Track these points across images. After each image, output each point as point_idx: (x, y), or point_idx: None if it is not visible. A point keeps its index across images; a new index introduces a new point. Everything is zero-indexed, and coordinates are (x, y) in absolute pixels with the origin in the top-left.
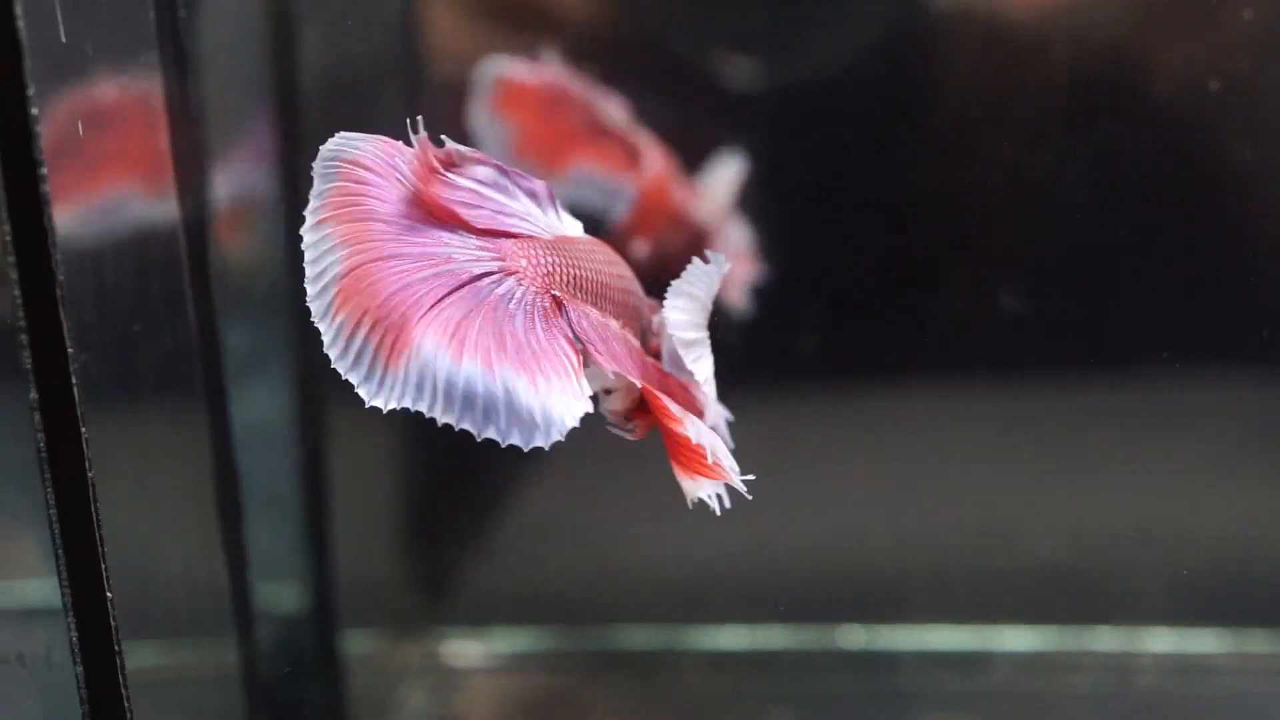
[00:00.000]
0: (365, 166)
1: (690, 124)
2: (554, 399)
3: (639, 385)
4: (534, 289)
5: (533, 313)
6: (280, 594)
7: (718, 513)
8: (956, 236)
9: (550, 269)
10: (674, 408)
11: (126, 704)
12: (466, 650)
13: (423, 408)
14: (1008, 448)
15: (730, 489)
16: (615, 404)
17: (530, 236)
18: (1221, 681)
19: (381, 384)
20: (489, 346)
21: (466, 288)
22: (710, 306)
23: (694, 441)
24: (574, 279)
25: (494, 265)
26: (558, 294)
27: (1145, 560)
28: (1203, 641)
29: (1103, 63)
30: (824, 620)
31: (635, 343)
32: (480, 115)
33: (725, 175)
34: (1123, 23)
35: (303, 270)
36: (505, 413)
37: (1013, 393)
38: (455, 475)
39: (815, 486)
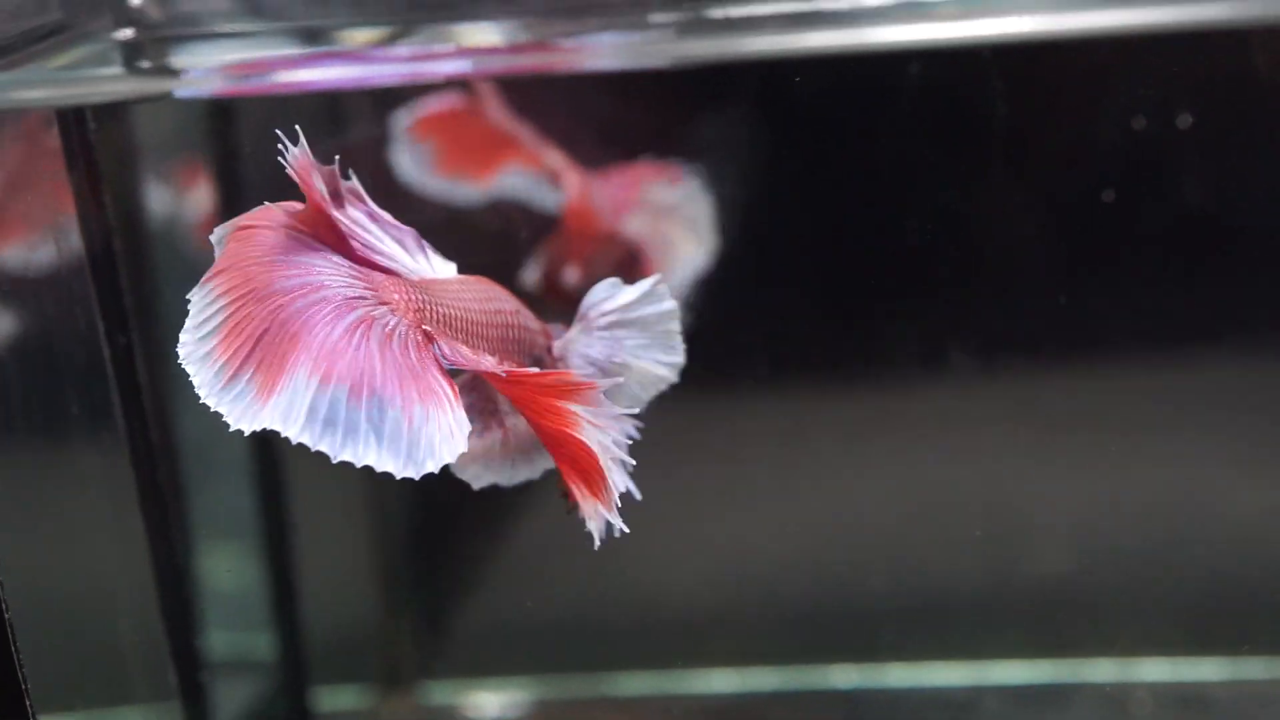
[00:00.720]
0: (248, 224)
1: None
2: (428, 428)
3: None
4: (406, 321)
5: (405, 343)
6: (242, 647)
7: (595, 543)
8: (955, 234)
9: (420, 305)
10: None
11: None
12: (458, 703)
13: (290, 433)
14: (1002, 461)
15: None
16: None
17: (400, 275)
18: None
19: (251, 413)
20: (360, 370)
21: (339, 311)
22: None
23: (589, 445)
24: (444, 317)
25: (367, 294)
26: (429, 329)
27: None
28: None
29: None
30: (814, 660)
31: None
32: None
33: (673, 198)
34: None
35: None
36: (372, 436)
37: (1012, 399)
38: (434, 519)
39: (803, 514)
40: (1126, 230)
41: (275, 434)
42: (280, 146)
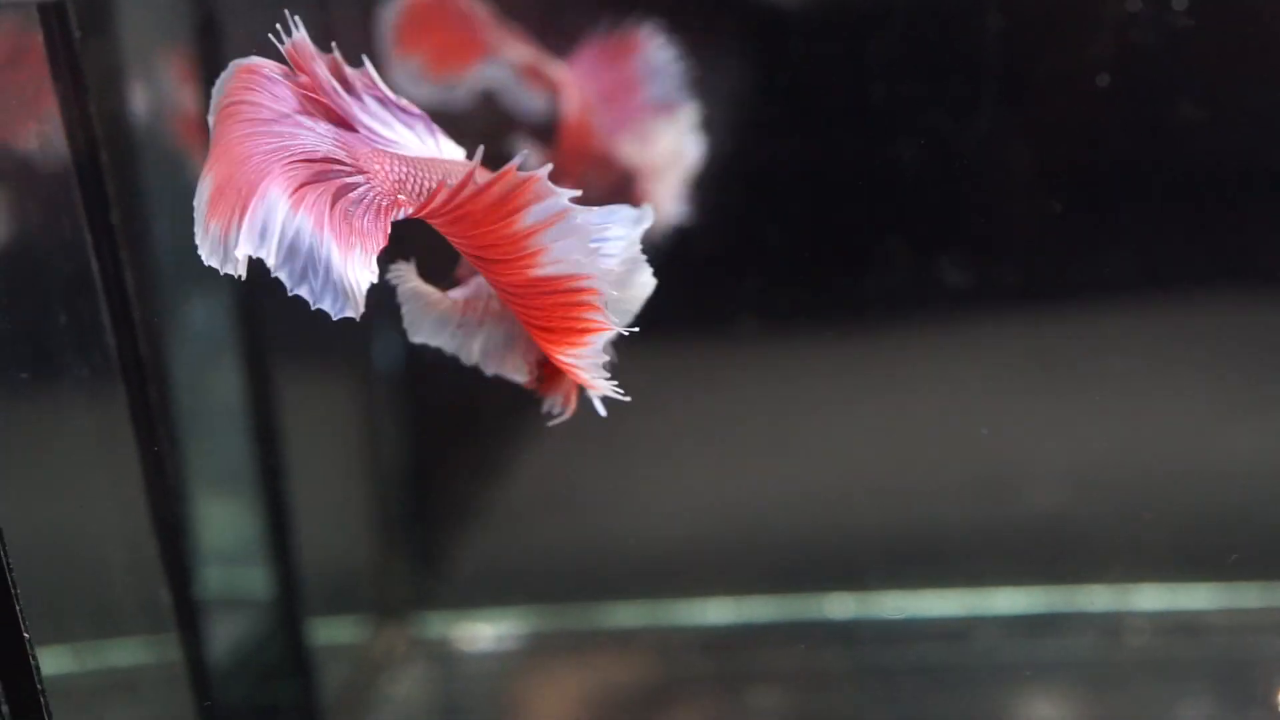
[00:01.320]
0: (252, 69)
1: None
2: (358, 271)
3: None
4: (377, 190)
5: (371, 205)
6: (237, 581)
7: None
8: (946, 173)
9: (402, 177)
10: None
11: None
12: (453, 634)
13: (262, 254)
14: (994, 397)
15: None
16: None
17: (385, 150)
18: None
19: (229, 241)
20: (323, 212)
21: (316, 165)
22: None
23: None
24: (426, 190)
25: (347, 163)
26: (403, 198)
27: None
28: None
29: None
30: (811, 589)
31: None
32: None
33: (677, 132)
34: None
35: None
36: (323, 275)
37: (1004, 336)
38: (427, 453)
39: (797, 446)
40: (1121, 166)
41: (271, 371)
42: (278, 33)
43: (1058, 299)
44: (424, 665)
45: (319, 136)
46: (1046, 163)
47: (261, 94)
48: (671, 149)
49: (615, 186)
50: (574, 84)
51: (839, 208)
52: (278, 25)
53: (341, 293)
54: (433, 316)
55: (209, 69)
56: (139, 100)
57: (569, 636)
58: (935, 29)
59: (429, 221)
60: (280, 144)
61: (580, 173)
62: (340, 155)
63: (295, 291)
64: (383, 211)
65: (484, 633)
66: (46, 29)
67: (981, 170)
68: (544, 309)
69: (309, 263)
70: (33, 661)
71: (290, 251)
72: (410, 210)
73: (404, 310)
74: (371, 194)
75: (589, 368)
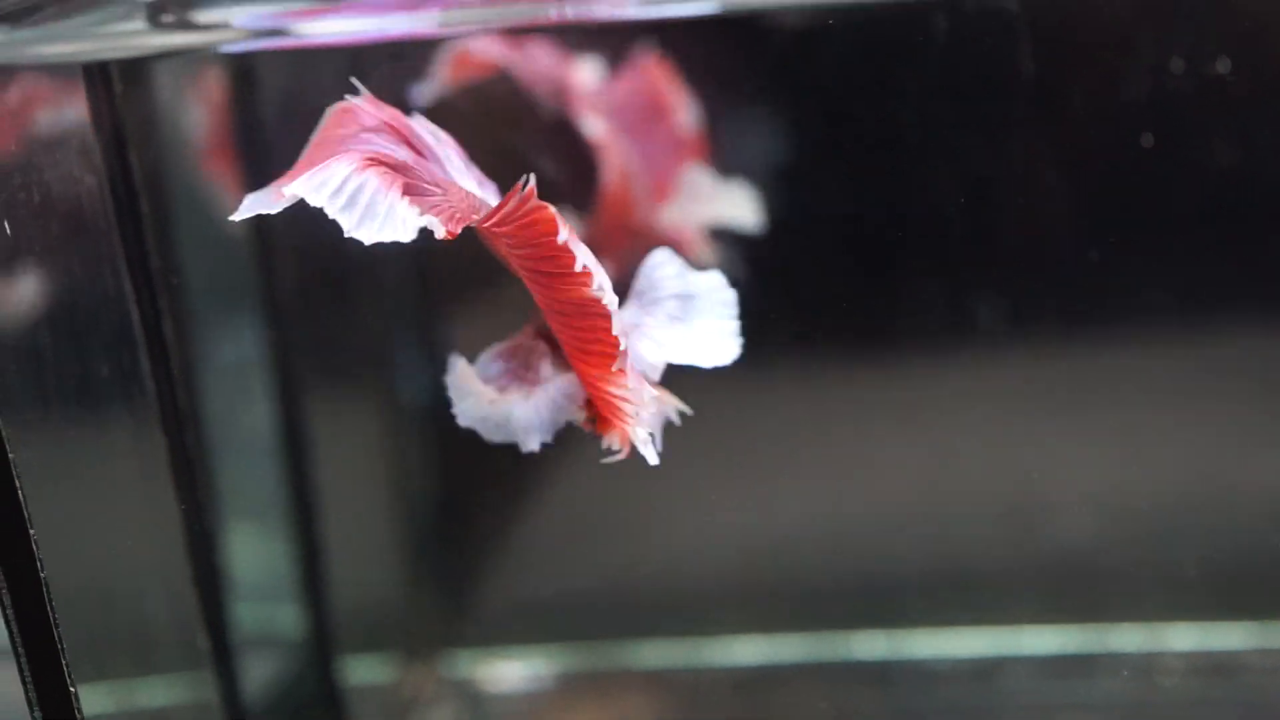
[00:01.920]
0: (347, 108)
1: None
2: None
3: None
4: (446, 202)
5: (434, 205)
6: (269, 620)
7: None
8: (978, 205)
9: (464, 197)
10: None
11: None
12: (481, 674)
13: (318, 200)
14: (1025, 430)
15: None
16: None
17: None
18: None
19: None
20: (390, 181)
21: (392, 162)
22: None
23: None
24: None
25: (423, 174)
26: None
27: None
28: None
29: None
30: (839, 627)
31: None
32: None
33: (728, 196)
34: None
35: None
36: (380, 215)
37: (1035, 369)
38: (457, 491)
39: (826, 478)
40: (1154, 199)
41: (301, 410)
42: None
43: (1091, 332)
44: (452, 705)
45: (400, 150)
46: (1078, 195)
47: (353, 124)
48: (711, 211)
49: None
50: (614, 146)
51: (871, 240)
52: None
53: (393, 225)
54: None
55: (242, 121)
56: (174, 150)
57: (597, 676)
58: (967, 59)
59: (487, 234)
60: (364, 146)
61: (620, 249)
62: (415, 167)
63: (352, 233)
64: (447, 216)
65: (512, 672)
66: (89, 84)
67: (1013, 202)
68: (583, 330)
69: (368, 210)
70: (74, 700)
71: (349, 201)
72: (470, 220)
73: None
74: (435, 197)
75: (633, 413)
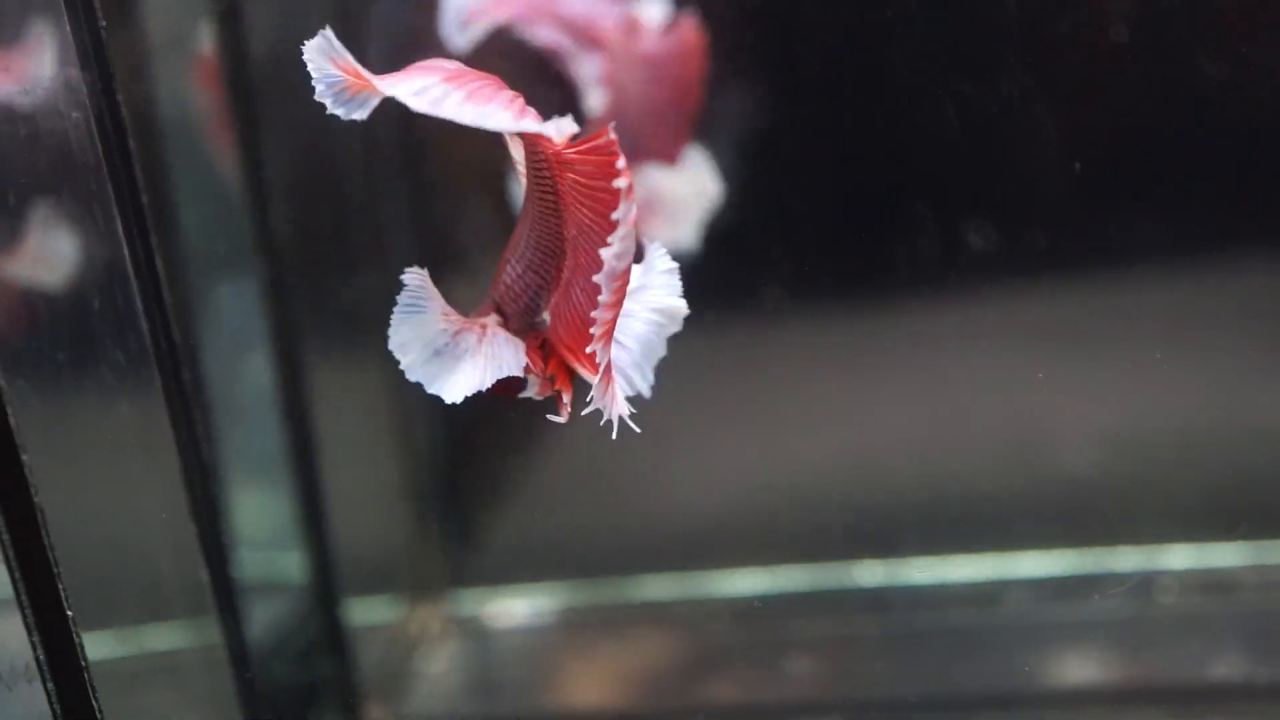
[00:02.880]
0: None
1: None
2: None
3: None
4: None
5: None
6: (273, 565)
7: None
8: (970, 140)
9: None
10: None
11: (93, 698)
12: (486, 611)
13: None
14: (1024, 362)
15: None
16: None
17: None
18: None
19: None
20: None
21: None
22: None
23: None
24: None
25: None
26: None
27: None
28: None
29: None
30: (841, 557)
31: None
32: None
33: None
34: None
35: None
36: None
37: (1032, 300)
38: (460, 432)
39: (826, 413)
40: (1147, 129)
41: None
42: None
43: (1086, 263)
44: (459, 642)
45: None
46: (1072, 127)
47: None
48: (694, 185)
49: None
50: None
51: (863, 179)
52: None
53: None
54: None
55: (231, 55)
56: (164, 87)
57: (602, 611)
58: None
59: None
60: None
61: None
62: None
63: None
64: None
65: (518, 609)
66: (73, 19)
67: (1005, 135)
68: (588, 287)
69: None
70: (78, 645)
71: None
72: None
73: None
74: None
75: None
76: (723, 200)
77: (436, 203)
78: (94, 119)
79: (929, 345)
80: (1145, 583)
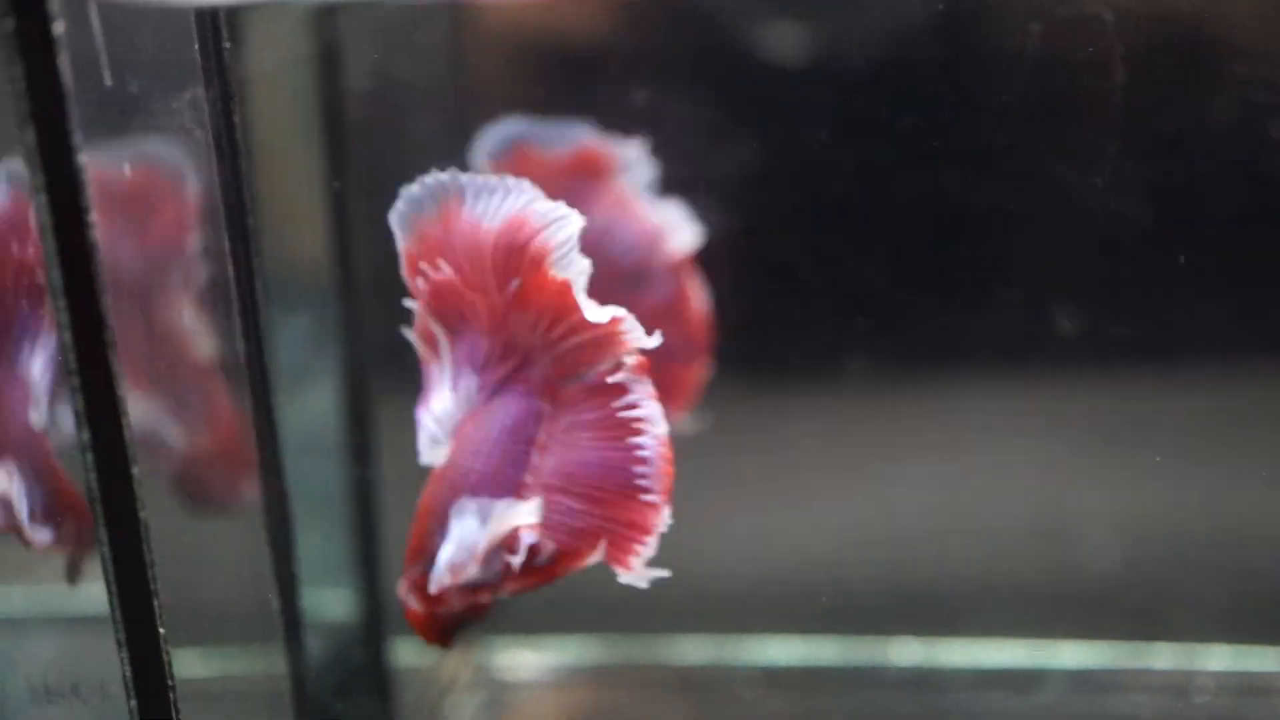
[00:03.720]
0: None
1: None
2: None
3: None
4: None
5: None
6: (330, 603)
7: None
8: (1000, 231)
9: None
10: None
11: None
12: (516, 662)
13: None
14: (1062, 453)
15: None
16: None
17: None
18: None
19: None
20: None
21: None
22: None
23: None
24: None
25: None
26: None
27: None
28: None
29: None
30: (876, 633)
31: None
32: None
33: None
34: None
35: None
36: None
37: (1067, 395)
38: None
39: (863, 494)
40: (1173, 236)
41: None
42: None
43: (1124, 352)
44: (487, 692)
45: None
46: (1111, 217)
47: None
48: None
49: None
50: None
51: (902, 256)
52: None
53: None
54: None
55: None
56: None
57: (631, 669)
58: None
59: None
60: None
61: None
62: None
63: None
64: None
65: (547, 661)
66: (201, 38)
67: (1041, 222)
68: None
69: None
70: (166, 663)
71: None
72: None
73: None
74: None
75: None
76: (757, 277)
77: None
78: (212, 138)
79: (969, 426)
80: (1183, 680)
